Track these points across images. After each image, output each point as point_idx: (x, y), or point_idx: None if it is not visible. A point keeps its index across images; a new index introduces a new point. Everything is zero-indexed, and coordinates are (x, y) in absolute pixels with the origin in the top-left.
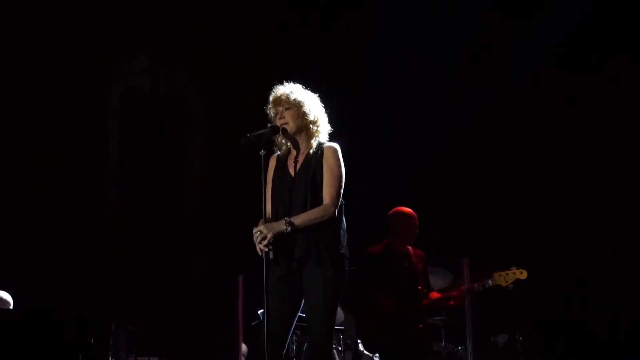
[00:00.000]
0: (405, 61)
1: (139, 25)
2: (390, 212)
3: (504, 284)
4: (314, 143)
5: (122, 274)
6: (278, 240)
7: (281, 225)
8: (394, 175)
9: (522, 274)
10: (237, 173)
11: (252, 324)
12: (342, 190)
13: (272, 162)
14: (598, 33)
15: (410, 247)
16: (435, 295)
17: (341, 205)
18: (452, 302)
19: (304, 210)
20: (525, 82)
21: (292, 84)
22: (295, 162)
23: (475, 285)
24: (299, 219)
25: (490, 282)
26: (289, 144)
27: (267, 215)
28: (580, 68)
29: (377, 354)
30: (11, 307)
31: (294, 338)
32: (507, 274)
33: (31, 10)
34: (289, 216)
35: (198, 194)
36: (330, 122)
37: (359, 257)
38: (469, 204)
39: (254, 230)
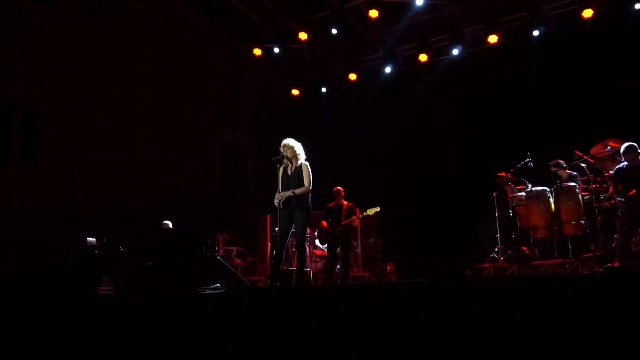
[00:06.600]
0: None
1: (224, 112)
2: (333, 190)
3: (370, 214)
4: (299, 162)
5: (221, 217)
6: (284, 200)
7: (288, 193)
8: (336, 175)
9: (378, 209)
10: (267, 175)
11: (273, 234)
12: (311, 181)
13: (281, 170)
14: None
15: (344, 202)
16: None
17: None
18: (355, 224)
19: (295, 188)
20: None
21: (290, 138)
22: (291, 169)
23: (360, 216)
24: (297, 191)
25: (364, 213)
26: (288, 162)
27: (279, 190)
28: None
29: (325, 245)
30: (171, 226)
31: (289, 240)
32: (371, 210)
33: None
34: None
35: (252, 184)
36: (305, 152)
37: (324, 208)
38: (363, 185)
39: (276, 195)
